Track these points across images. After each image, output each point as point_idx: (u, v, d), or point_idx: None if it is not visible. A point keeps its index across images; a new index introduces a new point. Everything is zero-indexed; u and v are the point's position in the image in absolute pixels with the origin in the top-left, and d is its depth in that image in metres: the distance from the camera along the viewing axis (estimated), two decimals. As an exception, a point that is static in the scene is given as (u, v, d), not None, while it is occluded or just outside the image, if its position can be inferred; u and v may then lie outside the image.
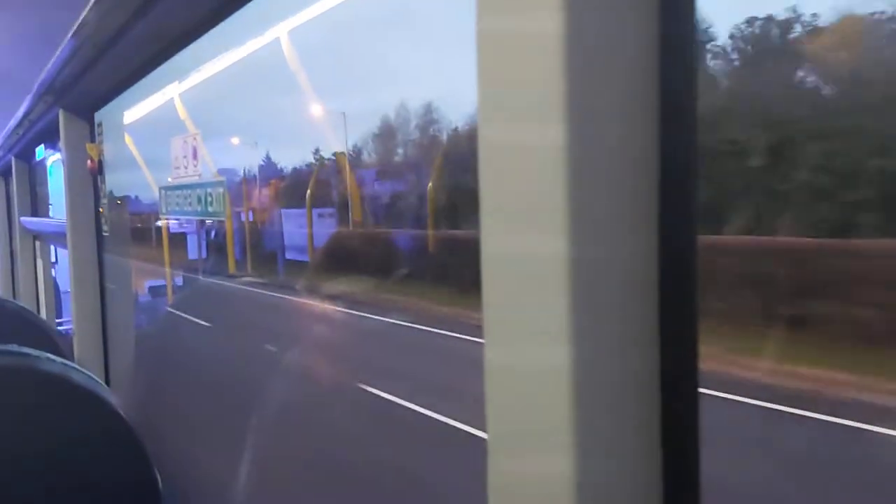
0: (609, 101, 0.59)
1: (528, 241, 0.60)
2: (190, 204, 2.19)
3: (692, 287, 0.61)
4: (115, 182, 2.83)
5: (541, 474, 0.61)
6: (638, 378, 0.61)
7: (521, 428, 0.63)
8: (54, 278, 5.58)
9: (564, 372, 0.58)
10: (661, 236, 0.61)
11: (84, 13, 1.70)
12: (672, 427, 0.62)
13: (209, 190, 2.10)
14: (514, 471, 0.64)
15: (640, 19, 0.59)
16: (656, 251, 0.61)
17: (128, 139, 2.88)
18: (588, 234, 0.58)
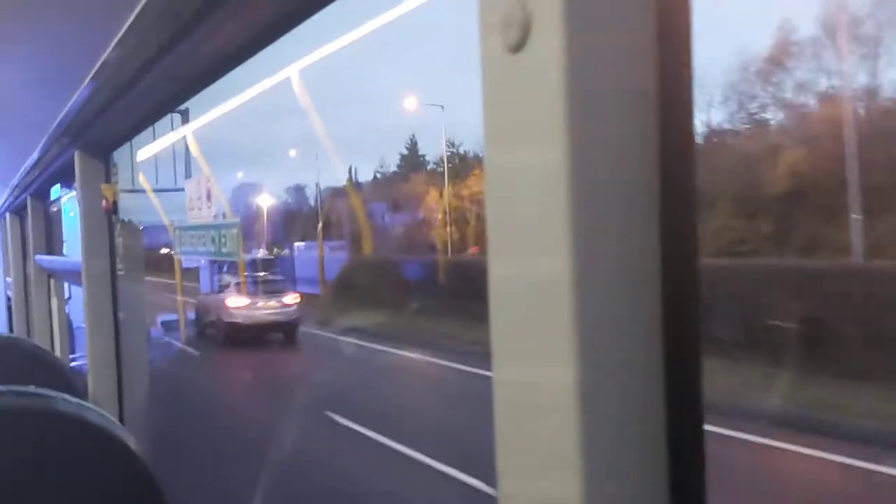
0: (610, 128, 0.60)
1: (533, 264, 0.62)
2: (204, 244, 2.21)
3: (695, 305, 0.62)
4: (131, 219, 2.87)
5: (549, 495, 0.62)
6: (643, 398, 0.62)
7: (529, 449, 0.64)
8: (68, 314, 5.60)
9: (571, 393, 0.59)
10: (664, 256, 0.62)
11: (105, 56, 1.73)
12: (678, 447, 0.62)
13: (223, 231, 2.12)
14: (523, 492, 0.65)
15: (638, 45, 0.61)
16: (659, 271, 0.62)
17: (141, 177, 2.91)
18: (591, 256, 0.59)
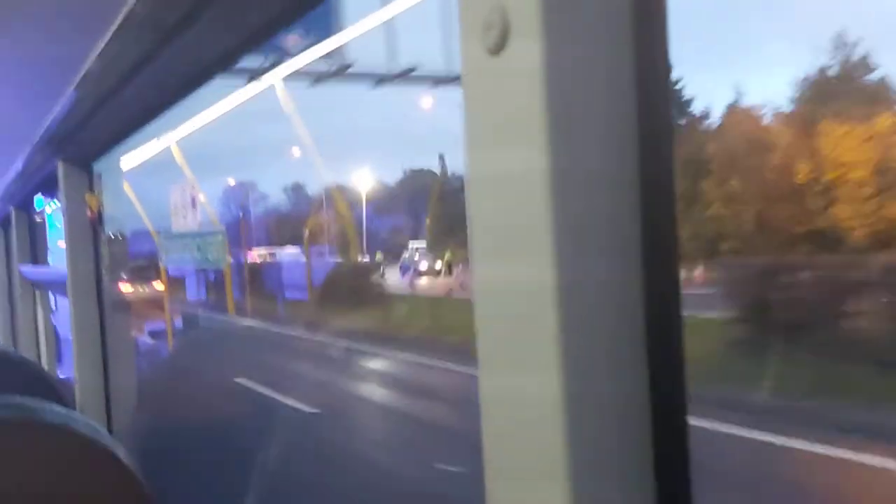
0: (589, 130, 0.61)
1: (516, 267, 0.62)
2: (189, 252, 2.20)
3: (677, 309, 0.63)
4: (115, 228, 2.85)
5: (536, 499, 0.62)
6: (628, 402, 0.63)
7: (516, 455, 0.64)
8: (54, 326, 5.56)
9: (556, 399, 0.59)
10: (645, 262, 0.62)
11: (86, 66, 1.73)
12: (663, 450, 0.63)
13: (208, 239, 2.11)
14: (511, 496, 0.65)
15: (616, 48, 0.62)
16: (641, 277, 0.62)
17: (126, 186, 2.90)
18: (573, 257, 0.60)
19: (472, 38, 0.64)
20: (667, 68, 0.62)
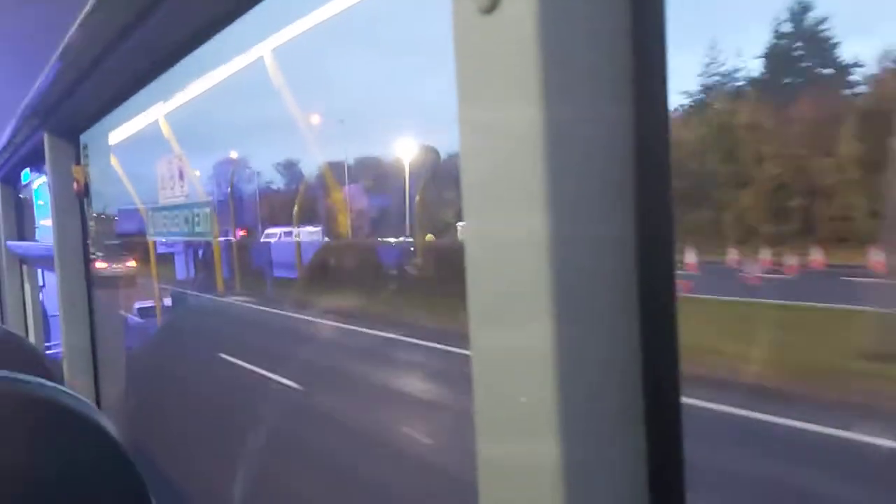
0: (586, 90, 0.60)
1: (511, 228, 0.61)
2: (177, 225, 2.19)
3: (670, 271, 0.62)
4: (101, 204, 2.83)
5: (528, 459, 0.62)
6: (621, 362, 0.62)
7: (508, 414, 0.63)
8: (42, 302, 5.54)
9: (549, 357, 0.59)
10: (639, 223, 0.61)
11: (69, 35, 1.70)
12: (655, 410, 0.63)
13: (196, 210, 2.09)
14: (503, 455, 0.65)
15: (615, 42, 0.60)
16: (634, 238, 0.62)
17: (114, 160, 2.87)
18: (568, 222, 0.59)
19: None
20: (664, 23, 0.61)
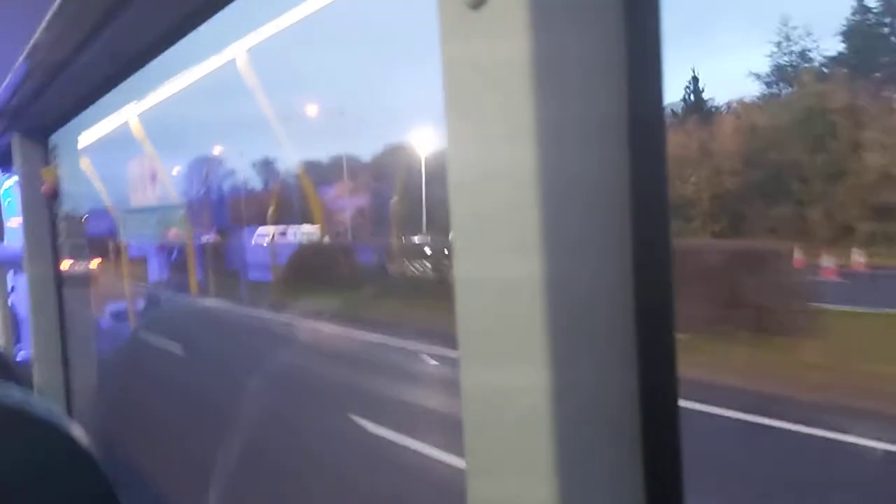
0: (578, 87, 0.58)
1: (503, 263, 0.58)
2: (149, 227, 2.15)
3: (668, 301, 0.60)
4: (71, 204, 2.78)
5: (522, 499, 0.59)
6: (618, 397, 0.60)
7: (500, 452, 0.61)
8: (12, 305, 5.44)
9: (543, 394, 0.56)
10: (635, 253, 0.59)
11: (36, 36, 1.67)
12: (653, 446, 0.61)
13: (168, 214, 2.06)
14: (494, 496, 0.62)
15: (607, 38, 0.59)
16: (631, 268, 0.60)
17: (84, 162, 2.83)
18: (563, 254, 0.56)
19: (452, 26, 0.61)
20: (658, 18, 0.59)
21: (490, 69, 0.58)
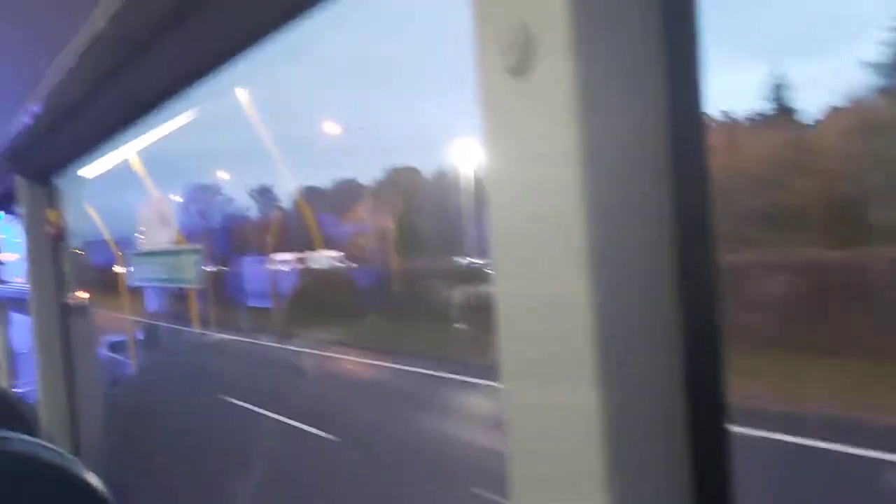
0: (623, 145, 0.58)
1: (549, 283, 0.58)
2: (160, 271, 2.14)
3: (715, 317, 0.60)
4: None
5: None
6: (667, 418, 0.60)
7: (547, 474, 0.60)
8: (9, 340, 5.44)
9: (593, 414, 0.56)
10: (682, 270, 0.59)
11: (46, 82, 1.68)
12: (703, 467, 0.60)
13: (183, 257, 2.05)
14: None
15: (649, 59, 0.58)
16: (677, 284, 0.59)
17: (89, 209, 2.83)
18: (610, 273, 0.56)
19: (490, 57, 0.60)
20: (700, 76, 0.59)
21: (536, 136, 0.58)
